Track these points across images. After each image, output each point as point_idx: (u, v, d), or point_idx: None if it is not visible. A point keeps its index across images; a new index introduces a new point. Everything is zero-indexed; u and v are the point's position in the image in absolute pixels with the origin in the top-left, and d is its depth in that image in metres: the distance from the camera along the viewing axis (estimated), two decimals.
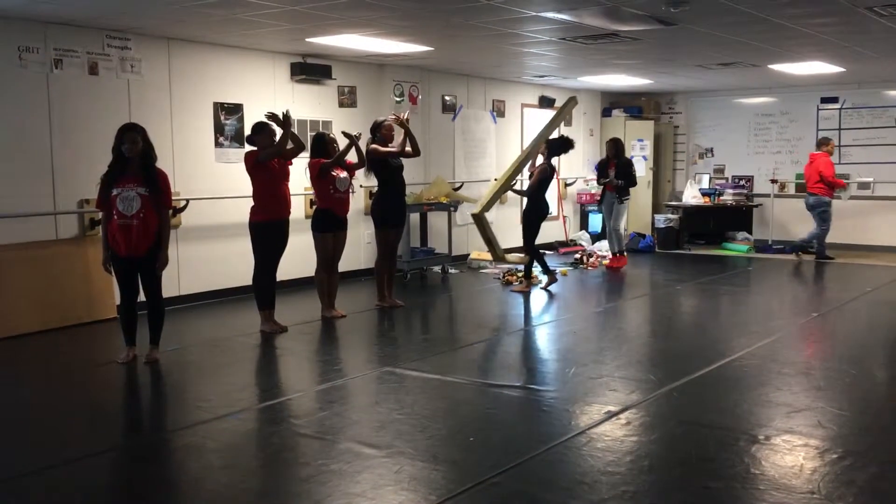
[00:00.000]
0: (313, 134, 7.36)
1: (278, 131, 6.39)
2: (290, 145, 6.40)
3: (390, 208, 7.42)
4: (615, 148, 10.29)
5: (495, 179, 9.05)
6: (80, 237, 7.04)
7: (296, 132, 6.56)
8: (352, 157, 7.07)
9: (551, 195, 11.60)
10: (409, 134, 7.31)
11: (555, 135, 9.24)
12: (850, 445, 3.97)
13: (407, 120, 7.37)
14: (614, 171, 10.16)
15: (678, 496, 3.44)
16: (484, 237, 8.31)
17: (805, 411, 4.50)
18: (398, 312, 7.47)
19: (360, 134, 7.12)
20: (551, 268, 8.90)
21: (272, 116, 6.39)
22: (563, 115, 8.98)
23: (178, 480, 3.79)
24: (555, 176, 8.81)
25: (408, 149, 7.35)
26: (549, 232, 12.29)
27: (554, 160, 8.80)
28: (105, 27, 6.97)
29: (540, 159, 8.68)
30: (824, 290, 8.69)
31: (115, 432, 4.51)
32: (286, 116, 6.36)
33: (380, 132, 7.36)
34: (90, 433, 4.37)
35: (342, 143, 7.03)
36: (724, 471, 3.65)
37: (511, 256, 8.53)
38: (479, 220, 8.12)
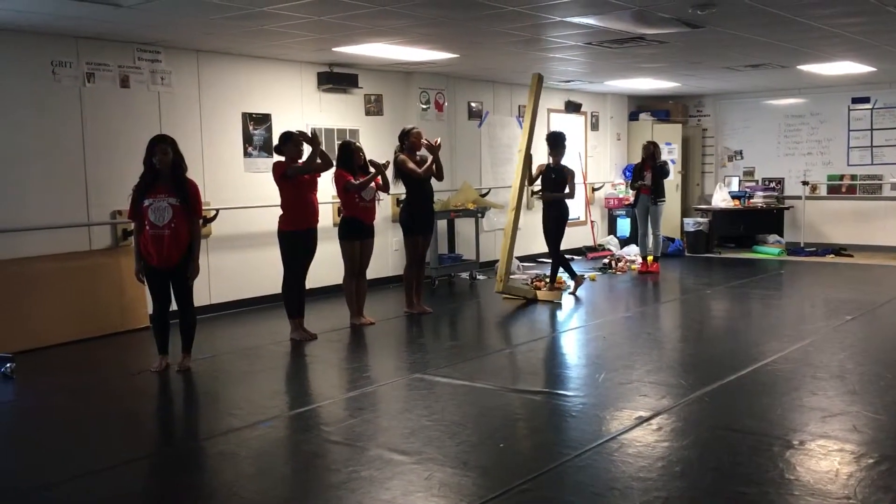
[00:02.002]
0: (339, 142, 7.41)
1: (306, 148, 6.46)
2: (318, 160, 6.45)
3: (418, 216, 7.44)
4: (651, 151, 10.24)
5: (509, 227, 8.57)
6: (114, 248, 7.15)
7: (324, 148, 6.59)
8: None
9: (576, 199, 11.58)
10: (437, 160, 7.32)
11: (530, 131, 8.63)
12: (887, 450, 3.91)
13: (438, 146, 7.37)
14: (650, 173, 10.12)
15: (711, 502, 3.41)
16: (517, 296, 8.30)
17: (840, 416, 4.44)
18: (427, 319, 7.48)
19: (388, 163, 7.15)
20: (578, 272, 8.86)
21: (302, 135, 6.46)
22: (536, 97, 8.35)
23: (212, 488, 3.83)
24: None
25: (434, 168, 7.36)
26: (577, 237, 12.25)
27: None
28: (136, 41, 7.08)
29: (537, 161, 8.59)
30: (857, 293, 8.56)
31: (149, 440, 4.57)
32: (314, 135, 6.41)
33: (408, 140, 7.38)
34: (125, 441, 4.43)
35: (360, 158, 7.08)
36: (758, 476, 3.61)
37: (542, 295, 8.45)
38: (506, 291, 8.11)
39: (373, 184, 7.01)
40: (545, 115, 11.77)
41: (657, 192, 10.15)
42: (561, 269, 8.67)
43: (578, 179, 11.45)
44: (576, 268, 10.55)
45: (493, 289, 8.29)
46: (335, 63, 8.64)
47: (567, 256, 9.12)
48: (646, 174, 10.16)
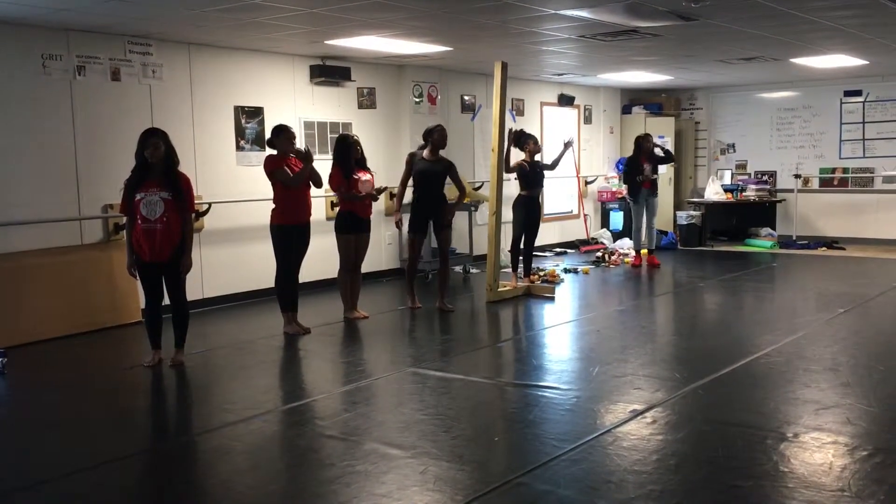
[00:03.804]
0: (336, 135, 7.36)
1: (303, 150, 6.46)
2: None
3: (417, 212, 7.35)
4: (645, 143, 10.15)
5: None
6: (105, 242, 7.11)
7: (314, 165, 6.51)
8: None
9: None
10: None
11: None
12: (880, 442, 3.92)
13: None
14: (649, 166, 10.04)
15: (706, 495, 3.41)
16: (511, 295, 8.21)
17: (833, 408, 4.45)
18: (421, 313, 7.46)
19: (386, 188, 7.16)
20: (569, 265, 8.82)
21: (296, 151, 6.43)
22: (503, 86, 7.88)
23: (206, 483, 3.82)
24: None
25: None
26: (570, 230, 12.27)
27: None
28: (126, 33, 7.03)
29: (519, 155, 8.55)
30: (850, 286, 8.58)
31: (142, 435, 4.55)
32: (307, 152, 6.40)
33: (432, 138, 7.28)
34: (118, 436, 4.41)
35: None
36: (753, 469, 3.61)
37: (535, 288, 8.41)
38: (497, 298, 7.91)
39: (370, 177, 7.01)
40: (538, 108, 11.76)
41: (653, 183, 10.13)
42: (564, 265, 8.67)
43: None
44: (569, 261, 10.59)
45: (485, 288, 8.24)
46: (327, 56, 8.60)
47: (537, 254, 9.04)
48: (645, 167, 10.04)
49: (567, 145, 8.84)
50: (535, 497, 3.42)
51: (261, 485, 3.66)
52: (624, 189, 12.54)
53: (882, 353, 5.72)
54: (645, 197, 10.13)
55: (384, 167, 9.30)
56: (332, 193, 7.43)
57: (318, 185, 6.58)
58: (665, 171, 12.35)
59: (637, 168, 10.05)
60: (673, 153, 10.62)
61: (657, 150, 10.23)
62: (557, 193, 12.07)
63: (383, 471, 3.69)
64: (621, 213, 12.56)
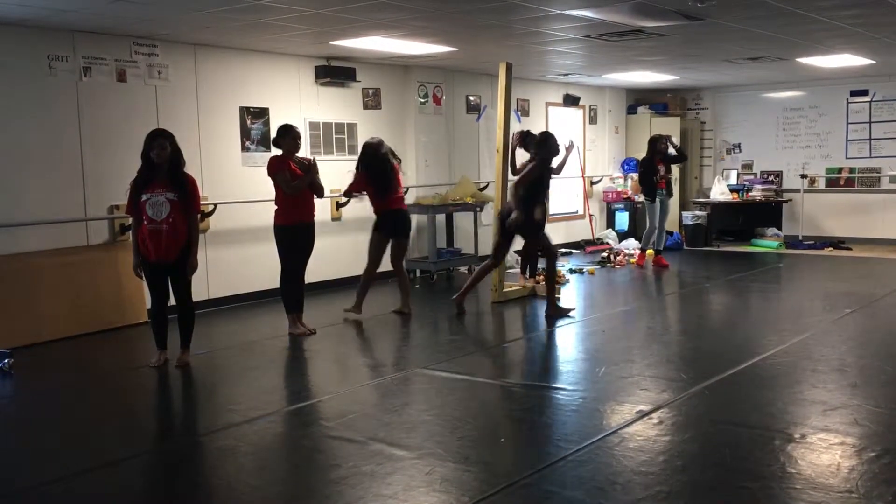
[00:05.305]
0: (369, 140, 7.26)
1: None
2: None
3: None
4: (660, 145, 10.08)
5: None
6: (111, 243, 7.12)
7: (319, 178, 6.53)
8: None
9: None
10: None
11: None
12: (888, 443, 3.90)
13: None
14: (663, 167, 10.00)
15: (713, 496, 3.40)
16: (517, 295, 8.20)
17: (841, 409, 4.43)
18: (425, 314, 7.46)
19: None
20: (575, 266, 8.77)
21: (300, 163, 6.46)
22: (508, 87, 7.99)
23: (212, 483, 3.81)
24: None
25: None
26: (575, 231, 12.25)
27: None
28: (132, 34, 7.04)
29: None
30: (856, 286, 8.55)
31: (147, 436, 4.55)
32: (313, 165, 6.42)
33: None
34: (123, 437, 4.41)
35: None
36: (760, 470, 3.60)
37: (541, 289, 8.38)
38: (502, 299, 7.91)
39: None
40: (543, 108, 11.75)
41: (668, 182, 10.11)
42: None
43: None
44: (575, 262, 10.58)
45: (491, 289, 8.24)
46: (333, 56, 8.60)
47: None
48: (660, 167, 10.01)
49: (569, 150, 8.79)
50: (541, 498, 3.41)
51: (266, 485, 3.65)
52: (629, 190, 12.56)
53: (890, 353, 5.69)
54: (661, 197, 10.07)
55: None
56: (336, 195, 7.44)
57: (320, 195, 6.59)
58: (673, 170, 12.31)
59: (652, 168, 9.99)
60: (685, 152, 10.56)
61: (670, 150, 10.19)
62: (563, 194, 12.05)
63: (389, 472, 3.68)
64: (627, 214, 12.55)
